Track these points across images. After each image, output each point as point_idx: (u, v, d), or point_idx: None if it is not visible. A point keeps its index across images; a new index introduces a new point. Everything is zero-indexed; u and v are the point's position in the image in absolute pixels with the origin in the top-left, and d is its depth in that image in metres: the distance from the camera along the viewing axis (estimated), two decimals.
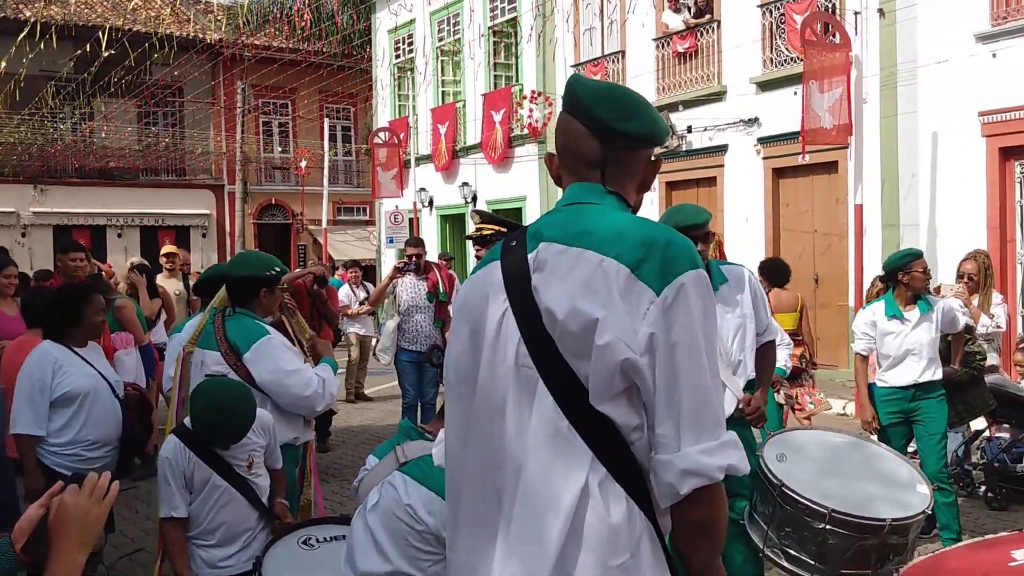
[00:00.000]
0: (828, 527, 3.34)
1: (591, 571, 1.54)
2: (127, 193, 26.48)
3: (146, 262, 8.72)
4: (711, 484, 1.54)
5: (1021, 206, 10.75)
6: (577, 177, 1.80)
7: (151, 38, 18.37)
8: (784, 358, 6.90)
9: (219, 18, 27.51)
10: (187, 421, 3.56)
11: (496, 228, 7.00)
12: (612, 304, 1.56)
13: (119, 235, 26.60)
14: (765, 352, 4.39)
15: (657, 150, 1.86)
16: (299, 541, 3.42)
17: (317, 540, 3.42)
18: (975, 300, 6.92)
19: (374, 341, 11.95)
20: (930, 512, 3.54)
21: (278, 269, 4.08)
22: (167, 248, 9.96)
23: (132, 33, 20.40)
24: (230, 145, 27.13)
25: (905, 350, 5.51)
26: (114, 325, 7.40)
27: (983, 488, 6.70)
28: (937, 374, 5.51)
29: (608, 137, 1.76)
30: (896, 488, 3.66)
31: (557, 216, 1.76)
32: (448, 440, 1.81)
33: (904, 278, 5.53)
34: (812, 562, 3.38)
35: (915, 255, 5.63)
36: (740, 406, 4.11)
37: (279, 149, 29.13)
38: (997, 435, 6.93)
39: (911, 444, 5.82)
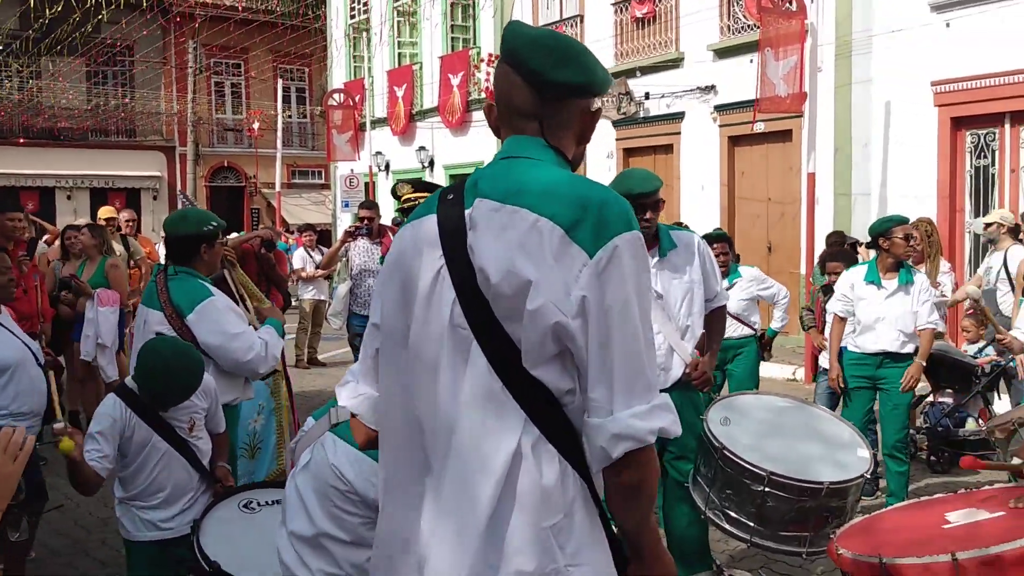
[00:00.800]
0: (767, 490, 3.37)
1: (523, 532, 1.53)
2: (76, 154, 25.92)
3: (93, 222, 8.55)
4: (642, 447, 1.53)
5: (971, 175, 10.91)
6: (513, 129, 1.75)
7: None
8: (780, 316, 7.07)
9: None
10: (128, 381, 3.48)
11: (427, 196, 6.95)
12: (545, 266, 1.53)
13: (68, 197, 26.08)
14: (714, 318, 4.41)
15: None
16: (240, 504, 3.37)
17: (258, 504, 3.37)
18: (921, 269, 7.00)
19: (327, 307, 11.88)
20: (869, 476, 3.58)
21: (215, 224, 4.02)
22: (106, 212, 9.74)
23: None
24: (181, 106, 26.61)
25: (877, 317, 5.47)
26: (102, 282, 7.38)
27: (926, 452, 6.83)
28: (908, 347, 5.47)
29: (542, 87, 1.69)
30: (837, 450, 3.70)
31: (494, 169, 1.71)
32: (382, 403, 1.78)
33: (884, 243, 5.47)
34: (751, 524, 3.42)
35: (897, 221, 5.58)
36: (687, 370, 4.13)
37: (232, 110, 28.62)
38: (940, 400, 7.06)
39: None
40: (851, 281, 5.66)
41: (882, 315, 5.45)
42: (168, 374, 3.31)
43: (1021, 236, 7.54)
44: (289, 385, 5.08)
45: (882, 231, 5.50)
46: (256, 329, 4.10)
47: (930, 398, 7.15)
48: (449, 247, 1.62)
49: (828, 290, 6.48)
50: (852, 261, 6.57)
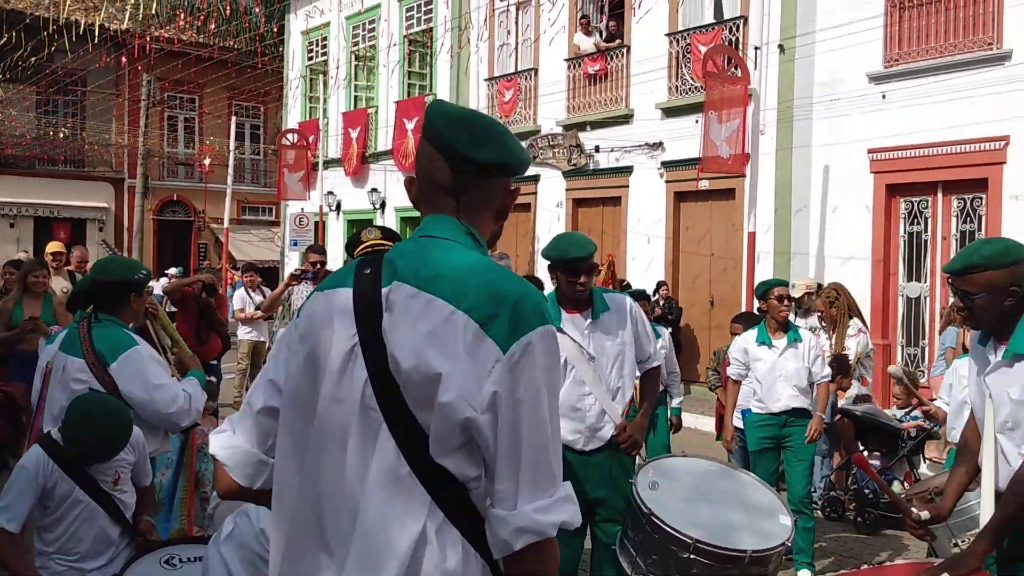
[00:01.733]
0: (692, 556, 3.42)
1: None
2: (22, 182, 25.46)
3: (32, 257, 8.39)
4: (543, 539, 1.56)
5: (904, 241, 11.25)
6: (432, 205, 1.77)
7: (54, 24, 17.74)
8: (677, 394, 7.10)
9: (127, 8, 26.73)
10: (54, 432, 3.45)
11: (392, 245, 6.98)
12: (457, 359, 1.54)
13: (11, 225, 25.56)
14: (647, 379, 4.49)
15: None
16: (161, 560, 3.34)
17: (180, 560, 3.34)
18: (825, 343, 7.19)
19: (267, 347, 11.77)
20: (786, 542, 3.67)
21: (145, 272, 4.01)
22: (53, 246, 9.56)
23: (34, 18, 19.68)
24: (132, 138, 26.36)
25: (774, 376, 5.72)
26: (51, 319, 7.21)
27: (853, 513, 6.97)
28: (806, 403, 5.72)
29: (458, 164, 1.73)
30: (760, 517, 3.78)
31: (413, 247, 1.73)
32: (278, 471, 1.75)
33: (763, 306, 5.82)
34: None
35: (774, 284, 5.88)
36: (615, 432, 4.20)
37: (184, 145, 28.43)
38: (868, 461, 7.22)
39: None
40: (743, 345, 5.93)
41: (778, 373, 5.71)
42: (97, 431, 3.28)
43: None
44: (193, 440, 4.99)
45: (760, 294, 5.78)
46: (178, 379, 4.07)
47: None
48: (364, 326, 1.62)
49: None
50: (754, 324, 6.72)
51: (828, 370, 5.86)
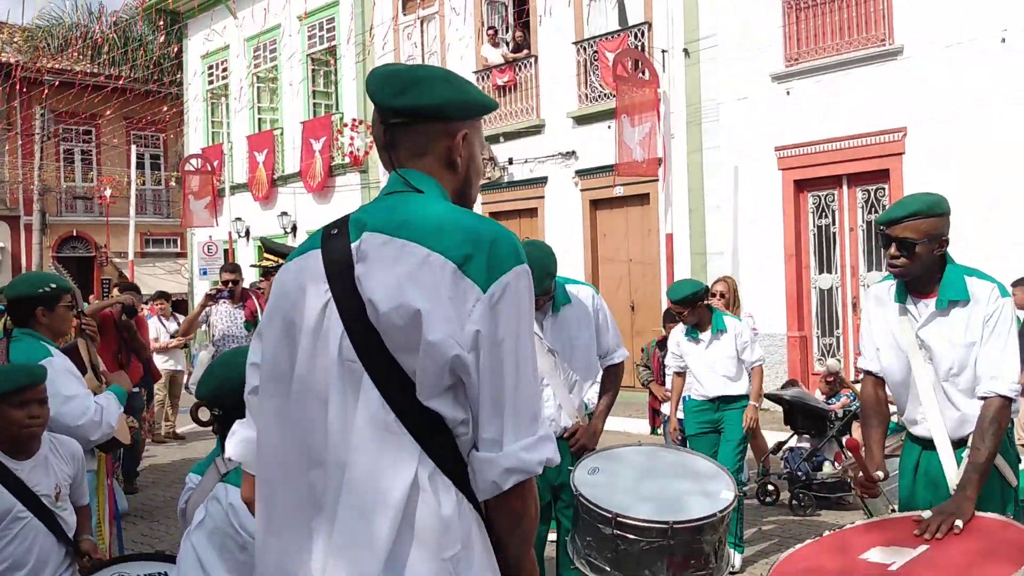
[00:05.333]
0: (615, 532, 3.34)
1: (424, 565, 1.52)
2: None
3: None
4: (528, 478, 1.58)
5: (814, 235, 11.58)
6: (387, 165, 1.77)
7: None
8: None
9: (16, 40, 25.78)
10: None
11: (279, 260, 6.86)
12: (438, 299, 1.54)
13: None
14: (608, 376, 4.38)
15: (469, 114, 1.72)
16: None
17: None
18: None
19: (186, 377, 11.39)
20: (721, 514, 3.55)
21: (53, 286, 3.96)
22: None
23: None
24: (27, 173, 25.36)
25: (705, 366, 5.89)
26: None
27: (789, 496, 7.09)
28: (736, 388, 5.85)
29: (387, 117, 1.73)
30: (709, 481, 3.72)
31: (378, 204, 1.72)
32: (261, 440, 1.73)
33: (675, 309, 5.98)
34: (608, 569, 3.41)
35: (670, 297, 5.95)
36: (567, 433, 4.14)
37: (81, 178, 27.48)
38: (798, 445, 7.36)
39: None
40: (676, 339, 6.11)
41: (706, 363, 5.88)
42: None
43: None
44: (111, 462, 4.80)
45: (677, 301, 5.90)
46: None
47: (789, 443, 7.45)
48: (336, 281, 1.61)
49: (662, 345, 6.79)
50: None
51: (759, 354, 5.97)
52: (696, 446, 5.82)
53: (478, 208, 15.06)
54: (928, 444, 3.14)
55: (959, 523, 2.72)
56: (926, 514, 2.82)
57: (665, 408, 6.69)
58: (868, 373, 3.38)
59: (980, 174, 9.67)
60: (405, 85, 1.71)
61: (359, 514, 1.54)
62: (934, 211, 3.07)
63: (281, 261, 5.62)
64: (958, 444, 3.09)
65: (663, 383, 6.71)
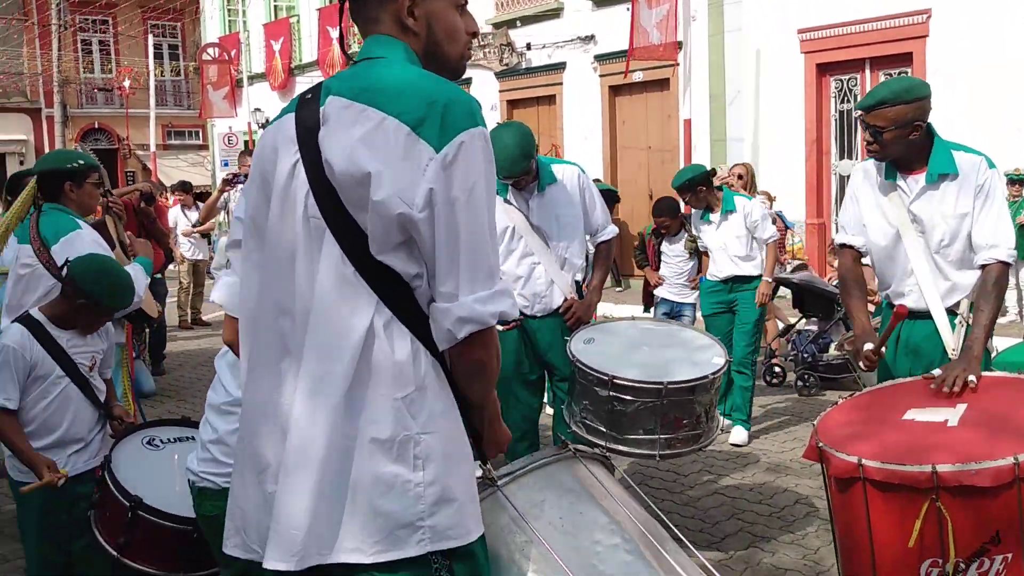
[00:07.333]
0: (611, 393, 3.49)
1: (377, 404, 1.65)
2: None
3: None
4: (484, 328, 1.66)
5: (835, 120, 11.41)
6: (362, 36, 1.84)
7: None
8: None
9: None
10: (34, 312, 3.40)
11: None
12: (390, 161, 1.61)
13: None
14: (598, 252, 4.48)
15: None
16: (143, 441, 3.38)
17: (161, 441, 3.39)
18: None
19: (208, 263, 11.59)
20: (712, 377, 3.65)
21: (81, 162, 4.03)
22: None
23: None
24: (46, 65, 25.27)
25: (717, 246, 5.98)
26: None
27: (795, 378, 7.23)
28: (749, 269, 5.91)
29: None
30: (698, 351, 3.85)
31: (350, 70, 1.79)
32: (243, 289, 1.87)
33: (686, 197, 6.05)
34: (603, 429, 3.57)
35: (673, 185, 6.01)
36: (562, 307, 4.25)
37: (100, 69, 27.34)
38: (806, 328, 7.47)
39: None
40: (693, 220, 6.22)
41: (718, 243, 5.97)
42: (113, 277, 3.34)
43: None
44: (132, 339, 4.96)
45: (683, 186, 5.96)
46: None
47: (797, 326, 7.55)
48: (303, 142, 1.71)
49: (657, 233, 6.80)
50: (674, 213, 6.76)
51: (772, 230, 6.01)
52: (711, 326, 5.94)
53: (495, 95, 14.94)
54: (911, 315, 3.23)
55: (972, 378, 2.85)
56: (936, 372, 2.94)
57: (659, 292, 6.77)
58: (847, 247, 3.47)
59: (1005, 56, 9.44)
60: None
61: (321, 357, 1.67)
62: (901, 98, 3.14)
63: None
64: (947, 313, 3.23)
65: (658, 269, 6.78)
